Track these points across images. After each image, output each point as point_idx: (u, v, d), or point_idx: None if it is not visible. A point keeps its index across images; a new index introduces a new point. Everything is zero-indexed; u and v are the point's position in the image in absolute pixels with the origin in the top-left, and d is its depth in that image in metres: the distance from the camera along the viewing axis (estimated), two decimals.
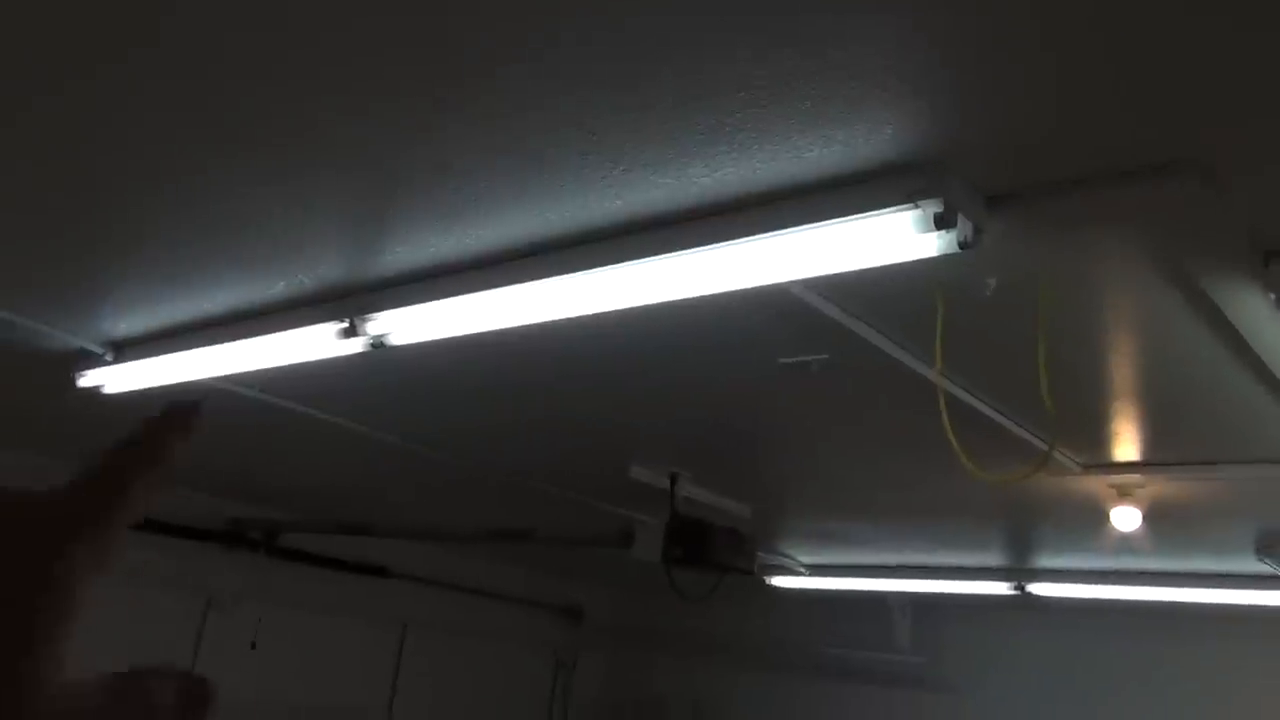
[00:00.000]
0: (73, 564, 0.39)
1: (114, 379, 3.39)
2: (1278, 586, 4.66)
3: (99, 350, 3.26)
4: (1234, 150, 1.68)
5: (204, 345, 2.97)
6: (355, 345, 2.70)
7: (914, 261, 1.94)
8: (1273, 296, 1.92)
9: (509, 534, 5.11)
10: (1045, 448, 3.29)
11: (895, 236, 1.86)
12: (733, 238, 1.96)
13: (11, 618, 0.36)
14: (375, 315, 2.55)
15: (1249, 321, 2.21)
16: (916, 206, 1.80)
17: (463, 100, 1.77)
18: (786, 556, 6.04)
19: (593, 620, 8.48)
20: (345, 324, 2.60)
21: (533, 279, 2.24)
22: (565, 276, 2.20)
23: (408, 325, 2.60)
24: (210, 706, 0.42)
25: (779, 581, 6.34)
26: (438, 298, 2.43)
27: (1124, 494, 3.64)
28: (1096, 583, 5.24)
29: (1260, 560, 4.31)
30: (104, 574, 0.40)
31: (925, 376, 2.66)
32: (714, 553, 4.32)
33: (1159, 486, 3.58)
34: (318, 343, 2.77)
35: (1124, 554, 4.77)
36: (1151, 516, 3.85)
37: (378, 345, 2.68)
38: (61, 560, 0.39)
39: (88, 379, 3.42)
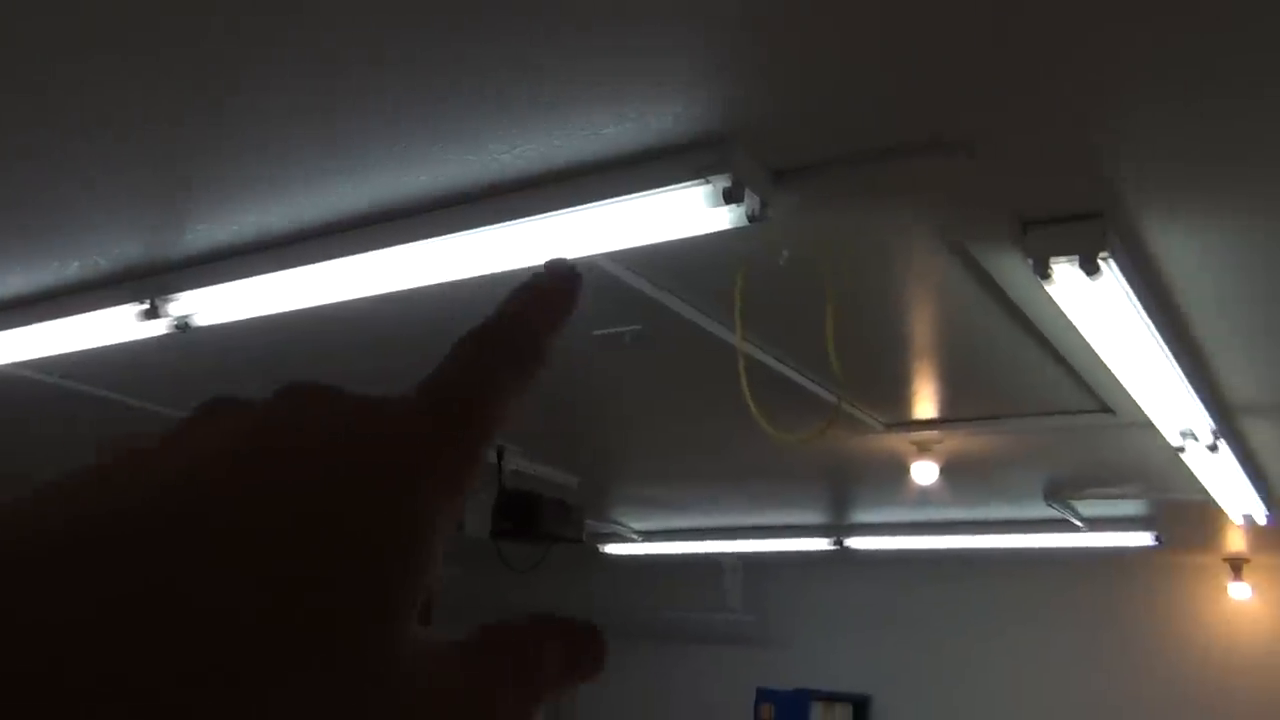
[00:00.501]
0: (429, 499, 0.29)
1: None
2: (1067, 529, 5.05)
3: None
4: (992, 128, 1.83)
5: None
6: (158, 327, 2.63)
7: (713, 234, 2.03)
8: (1031, 262, 2.09)
9: None
10: (849, 410, 3.49)
11: (688, 211, 1.94)
12: (534, 213, 2.01)
13: (362, 575, 0.27)
14: (177, 296, 2.49)
15: (1016, 285, 2.40)
16: (707, 182, 1.89)
17: (256, 76, 1.75)
18: (617, 524, 6.17)
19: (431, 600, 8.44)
20: (146, 305, 2.52)
21: (339, 256, 2.23)
22: (372, 253, 2.20)
23: (213, 305, 2.54)
24: (603, 660, 0.33)
25: (611, 549, 6.47)
26: (242, 276, 2.39)
27: (923, 450, 3.89)
28: (906, 534, 5.56)
29: (1049, 505, 4.66)
30: (459, 507, 0.31)
31: (732, 344, 2.78)
32: (542, 524, 4.39)
33: (955, 441, 3.83)
34: (118, 325, 2.68)
35: (929, 506, 5.08)
36: (949, 470, 4.11)
37: (182, 327, 2.62)
38: (416, 495, 0.29)
39: None
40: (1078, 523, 4.92)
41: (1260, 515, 4.31)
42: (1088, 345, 2.56)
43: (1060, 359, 2.89)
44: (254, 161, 2.05)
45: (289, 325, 2.77)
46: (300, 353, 3.29)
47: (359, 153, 2.00)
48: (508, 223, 2.03)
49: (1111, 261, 2.04)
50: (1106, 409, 3.27)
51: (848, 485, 4.90)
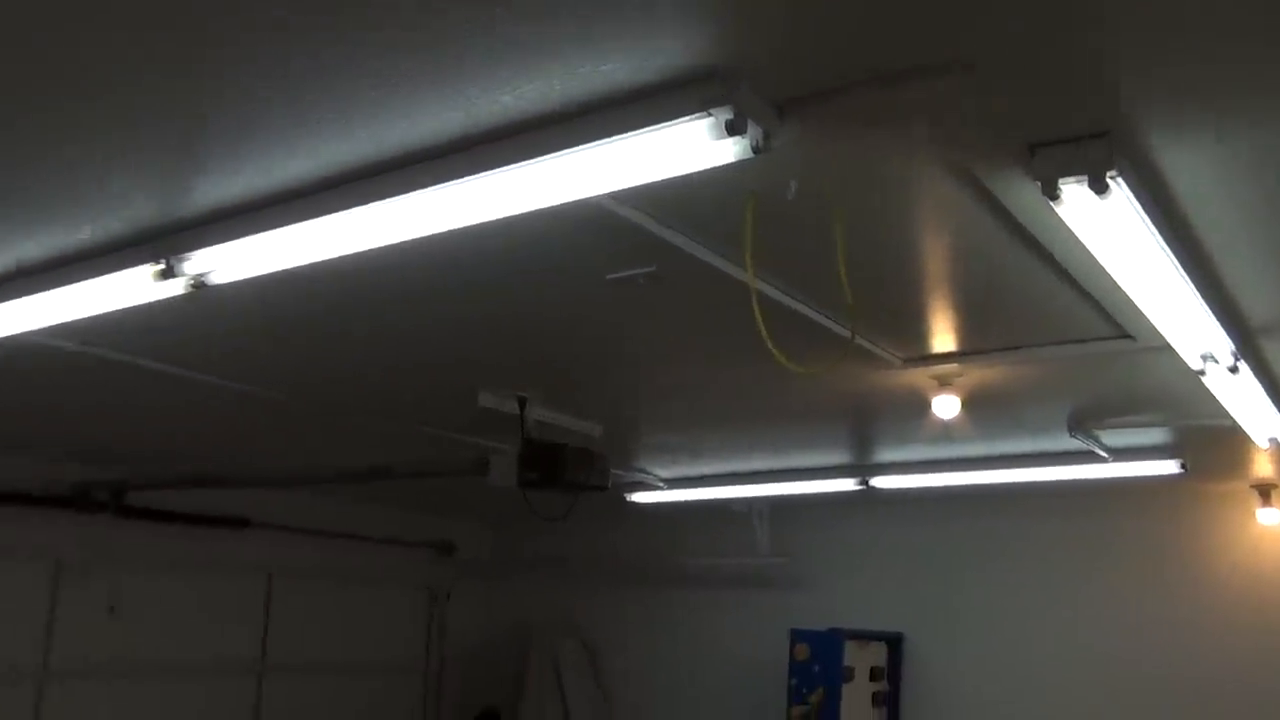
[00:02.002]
0: None
1: None
2: (1092, 460, 5.03)
3: None
4: (993, 48, 1.80)
5: (14, 298, 2.87)
6: (175, 287, 2.65)
7: (719, 169, 2.03)
8: (1039, 184, 2.07)
9: (367, 473, 5.11)
10: (867, 346, 3.49)
11: (692, 145, 1.94)
12: (537, 155, 2.01)
13: None
14: (191, 254, 2.51)
15: (1027, 210, 2.38)
16: (709, 115, 1.88)
17: (253, 33, 1.76)
18: (643, 472, 6.21)
19: (465, 553, 8.57)
20: (161, 265, 2.55)
21: (347, 207, 2.24)
22: (380, 203, 2.21)
23: (227, 262, 2.57)
24: None
25: (638, 497, 6.51)
26: (254, 232, 2.41)
27: (944, 384, 3.88)
28: (930, 472, 5.57)
29: (1073, 437, 4.64)
30: None
31: (745, 281, 2.77)
32: (568, 473, 4.42)
33: (975, 374, 3.82)
34: (135, 287, 2.71)
35: (953, 442, 5.07)
36: (971, 404, 4.10)
37: (198, 285, 2.64)
38: None
39: None
40: (1102, 453, 4.90)
41: None
42: (1102, 269, 2.54)
43: (1076, 285, 2.87)
44: (253, 120, 2.05)
45: (306, 280, 2.79)
46: (316, 309, 3.32)
47: (355, 107, 2.00)
48: (511, 166, 2.03)
49: (1120, 180, 2.02)
50: (1125, 334, 3.25)
51: (870, 423, 4.90)
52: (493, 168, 2.05)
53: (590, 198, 2.21)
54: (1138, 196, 2.11)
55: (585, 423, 4.78)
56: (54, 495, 5.96)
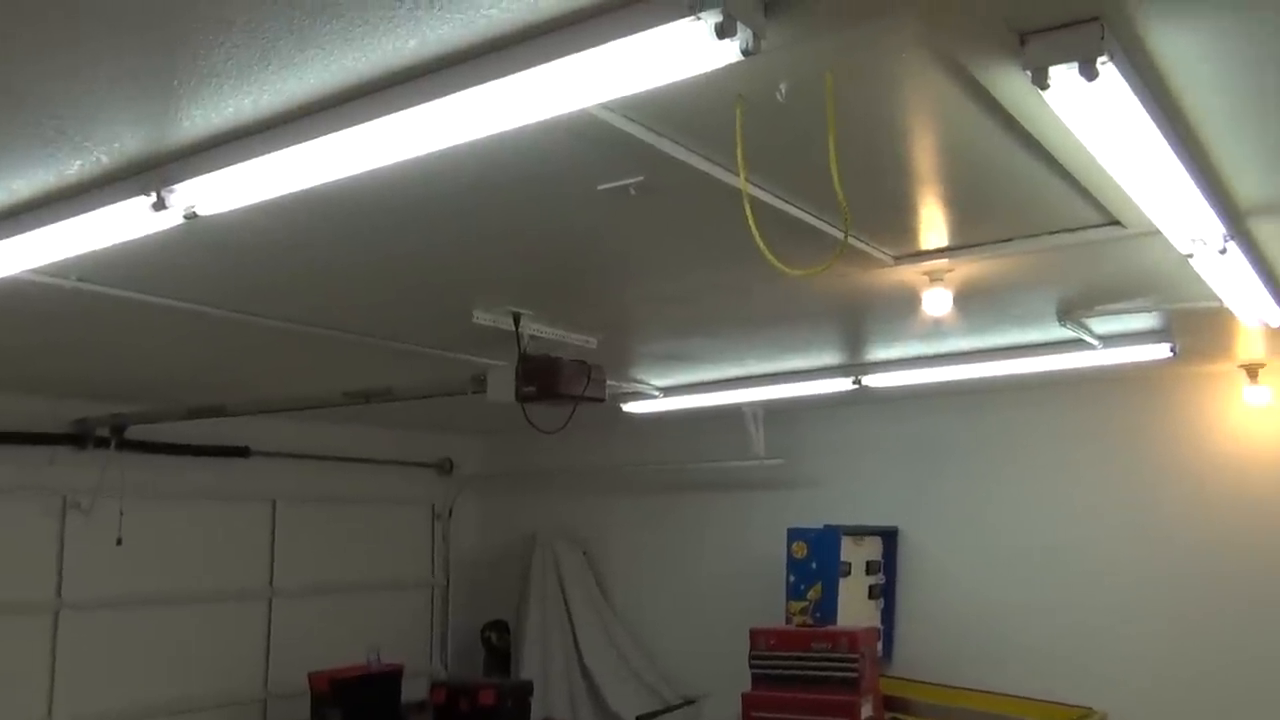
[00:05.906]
0: None
1: None
2: (1081, 348, 5.09)
3: None
4: None
5: (6, 237, 2.86)
6: (169, 219, 2.65)
7: (707, 74, 2.02)
8: (1029, 73, 2.07)
9: (365, 394, 5.15)
10: (858, 245, 3.51)
11: (680, 50, 1.92)
12: (527, 66, 2.00)
13: None
14: (179, 185, 2.50)
15: (1016, 101, 2.37)
16: (698, 18, 1.87)
17: None
18: (639, 382, 6.26)
19: (465, 469, 8.68)
20: (153, 198, 2.54)
21: (335, 130, 2.23)
22: (367, 124, 2.20)
23: (217, 192, 2.56)
24: None
25: (634, 407, 6.58)
26: (243, 160, 2.39)
27: (935, 279, 3.90)
28: (923, 367, 5.62)
29: (1063, 326, 4.70)
30: None
31: (737, 187, 2.77)
32: (564, 385, 4.47)
33: (966, 268, 3.84)
34: (129, 221, 2.71)
35: (944, 337, 5.12)
36: (962, 298, 4.14)
37: (190, 216, 2.64)
38: None
39: None
40: (1093, 341, 4.96)
41: (1275, 319, 4.33)
42: (1092, 157, 2.55)
43: (1067, 175, 2.88)
44: (239, 45, 2.03)
45: (297, 206, 2.78)
46: (307, 234, 3.31)
47: (343, 26, 1.97)
48: (502, 78, 2.02)
49: (1111, 65, 2.01)
50: (1114, 221, 3.27)
51: (862, 322, 4.94)
52: (483, 81, 2.04)
53: (579, 109, 2.21)
54: (1129, 81, 2.11)
55: (580, 335, 4.81)
56: (56, 433, 6.02)
